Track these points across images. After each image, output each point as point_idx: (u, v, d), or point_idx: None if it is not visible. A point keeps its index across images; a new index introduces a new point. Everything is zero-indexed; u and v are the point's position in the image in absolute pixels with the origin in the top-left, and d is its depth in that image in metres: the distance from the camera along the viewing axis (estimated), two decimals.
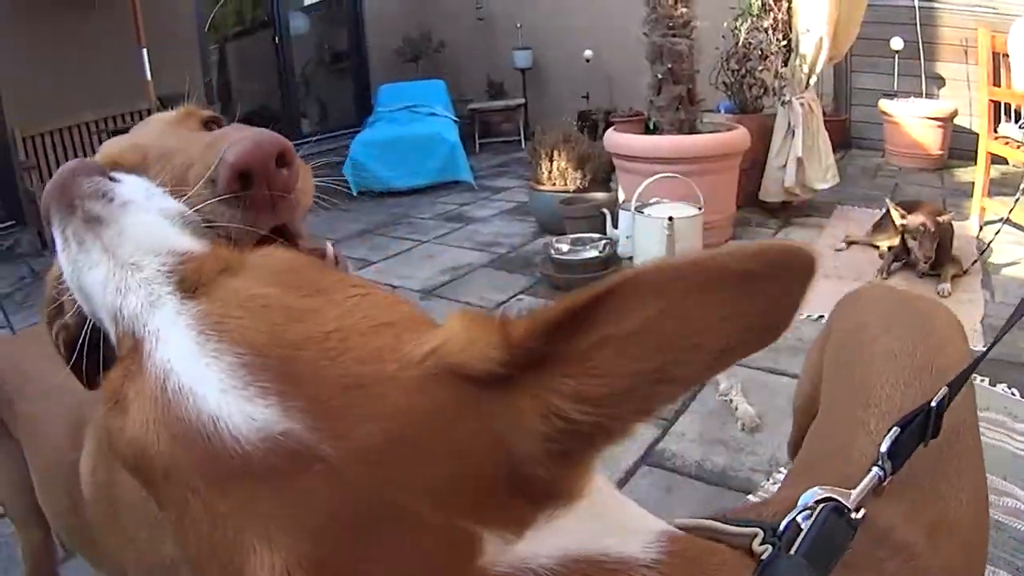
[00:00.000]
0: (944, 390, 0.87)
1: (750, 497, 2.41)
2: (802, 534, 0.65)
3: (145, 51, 7.19)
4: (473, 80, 9.29)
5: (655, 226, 3.77)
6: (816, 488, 0.71)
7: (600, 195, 4.80)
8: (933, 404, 0.85)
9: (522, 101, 8.68)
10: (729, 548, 0.62)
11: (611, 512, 0.55)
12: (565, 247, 4.24)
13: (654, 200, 4.05)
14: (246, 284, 0.53)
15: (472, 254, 5.08)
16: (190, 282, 0.54)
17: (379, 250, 5.54)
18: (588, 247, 4.22)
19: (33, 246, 8.13)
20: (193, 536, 0.48)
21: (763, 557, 0.61)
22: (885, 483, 0.79)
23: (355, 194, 7.39)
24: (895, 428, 0.83)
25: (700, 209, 3.86)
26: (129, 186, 0.64)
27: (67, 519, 1.35)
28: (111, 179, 0.63)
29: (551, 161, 5.02)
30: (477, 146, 8.72)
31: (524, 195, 5.58)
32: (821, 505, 0.68)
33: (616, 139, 4.59)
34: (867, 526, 0.73)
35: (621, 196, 4.62)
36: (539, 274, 4.33)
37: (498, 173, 7.63)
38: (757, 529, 0.63)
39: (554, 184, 5.00)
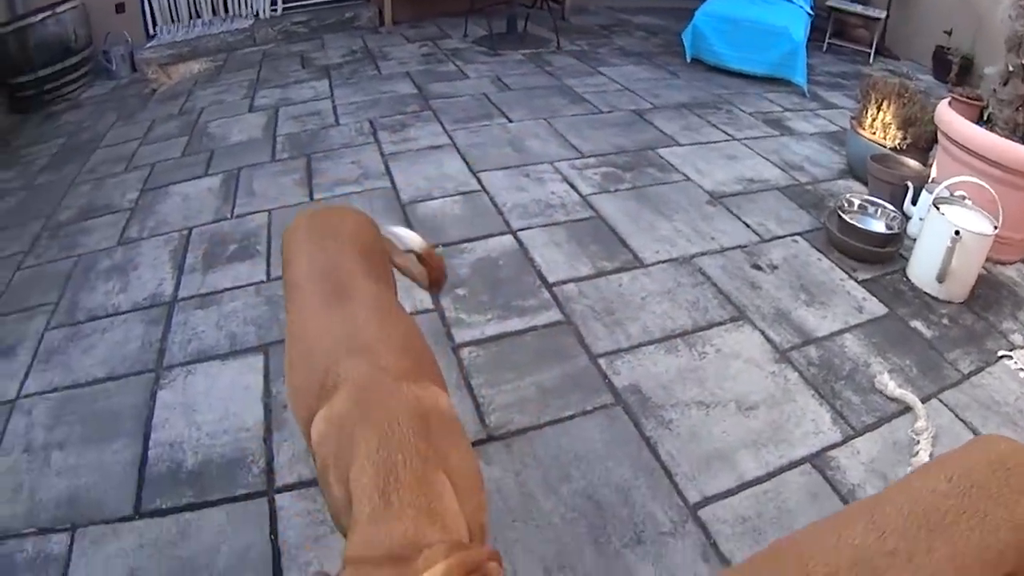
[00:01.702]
0: None
1: None
2: None
3: None
4: None
5: (943, 229, 3.58)
6: None
7: (913, 164, 4.54)
8: None
9: (884, 15, 7.87)
10: None
11: None
12: (855, 206, 4.17)
13: (959, 194, 3.83)
14: None
15: (773, 171, 5.02)
16: None
17: (690, 131, 5.61)
18: (878, 216, 4.11)
19: (371, 22, 8.70)
20: None
21: None
22: None
23: (688, 60, 7.38)
24: None
25: (995, 228, 3.60)
26: None
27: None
28: None
29: (878, 110, 4.80)
30: (825, 45, 8.21)
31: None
32: None
33: (946, 116, 4.26)
34: None
35: (933, 173, 4.42)
36: (822, 222, 4.24)
37: (835, 84, 7.16)
38: None
39: (874, 133, 4.77)
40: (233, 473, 2.67)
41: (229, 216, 4.40)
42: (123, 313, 3.57)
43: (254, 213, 4.39)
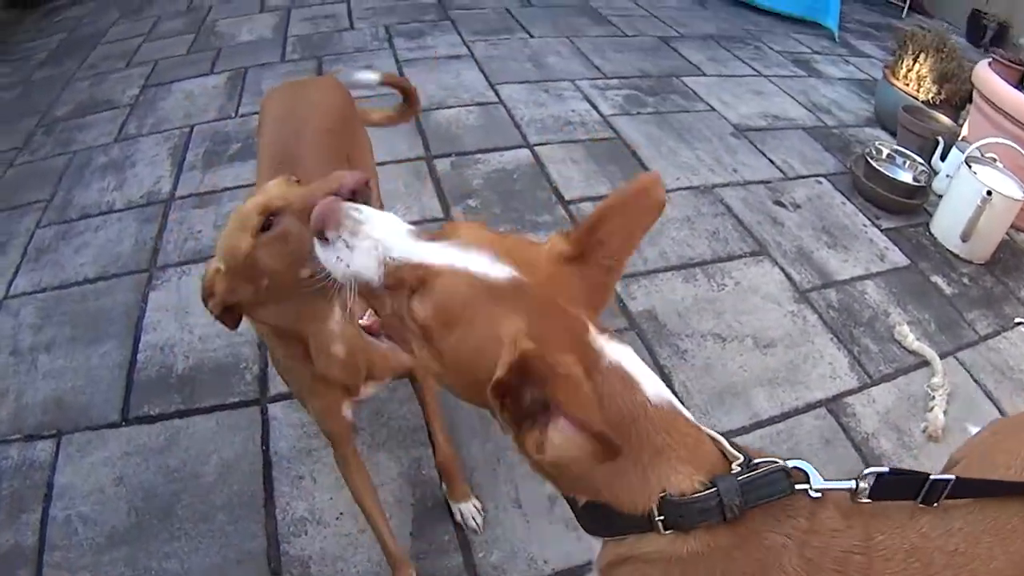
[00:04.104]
0: (952, 477, 0.98)
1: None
2: (753, 473, 0.92)
3: None
4: None
5: (972, 188, 3.36)
6: (804, 462, 0.97)
7: (945, 120, 4.28)
8: (931, 476, 0.98)
9: None
10: (718, 453, 0.96)
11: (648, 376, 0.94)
12: (884, 154, 3.93)
13: (990, 156, 3.58)
14: (468, 233, 0.96)
15: (799, 111, 4.74)
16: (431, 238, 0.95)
17: (716, 63, 5.32)
18: (905, 167, 3.87)
19: None
20: (464, 341, 0.89)
21: (730, 472, 0.93)
22: (857, 493, 0.97)
23: None
24: (885, 469, 0.97)
25: None
26: (365, 210, 0.98)
27: None
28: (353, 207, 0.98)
29: (915, 61, 4.53)
30: None
31: (879, 72, 5.08)
32: (777, 464, 0.94)
33: (984, 76, 3.99)
34: (824, 505, 0.95)
35: (964, 131, 4.17)
36: (848, 166, 3.99)
37: (865, 34, 6.77)
38: (741, 456, 0.95)
39: (907, 84, 4.51)
40: (225, 379, 2.53)
41: (233, 115, 4.22)
42: (117, 211, 3.43)
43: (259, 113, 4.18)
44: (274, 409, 2.41)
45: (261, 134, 2.08)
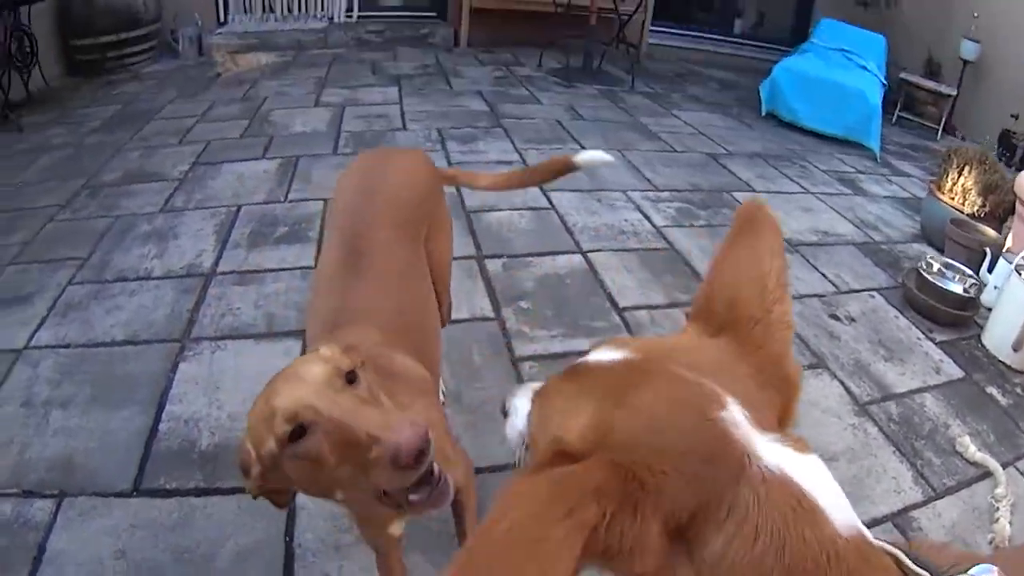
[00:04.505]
0: None
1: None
2: None
3: None
4: (912, 50, 8.22)
5: (1023, 296, 3.43)
6: (992, 566, 0.74)
7: (990, 232, 4.37)
8: None
9: (954, 93, 7.62)
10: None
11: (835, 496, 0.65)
12: (935, 267, 3.98)
13: None
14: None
15: (847, 227, 4.84)
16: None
17: (764, 180, 5.46)
18: (955, 279, 3.92)
19: (446, 41, 8.69)
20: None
21: None
22: None
23: (762, 114, 7.24)
24: None
25: None
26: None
27: None
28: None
29: (959, 175, 4.65)
30: (895, 117, 7.93)
31: (921, 190, 5.16)
32: None
33: None
34: None
35: (1009, 242, 4.25)
36: (900, 280, 4.07)
37: (904, 155, 6.92)
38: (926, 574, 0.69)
39: (952, 199, 4.61)
40: None
41: (282, 200, 4.25)
42: (155, 279, 3.38)
43: (309, 200, 4.22)
44: (303, 497, 2.34)
45: (336, 201, 2.03)
